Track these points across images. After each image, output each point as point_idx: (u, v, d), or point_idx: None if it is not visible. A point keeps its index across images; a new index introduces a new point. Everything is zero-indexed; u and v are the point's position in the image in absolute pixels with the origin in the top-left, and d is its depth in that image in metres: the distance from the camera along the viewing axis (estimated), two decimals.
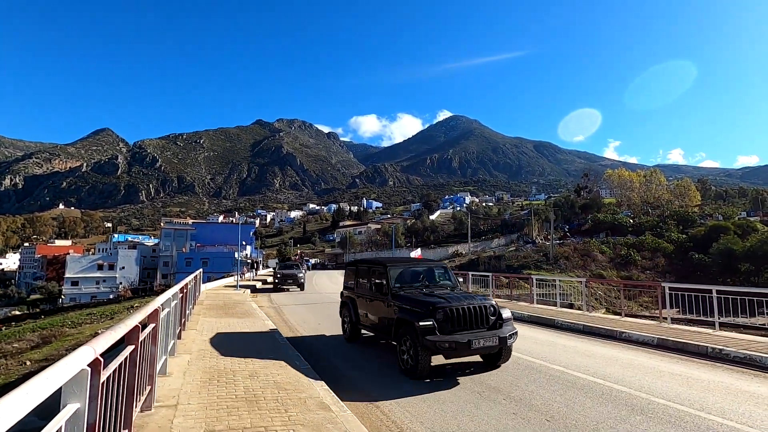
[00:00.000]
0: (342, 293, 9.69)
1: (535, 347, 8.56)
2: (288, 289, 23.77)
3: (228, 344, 8.01)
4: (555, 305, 14.97)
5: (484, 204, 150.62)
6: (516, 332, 6.62)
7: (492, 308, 6.67)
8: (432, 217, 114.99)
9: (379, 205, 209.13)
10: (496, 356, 6.75)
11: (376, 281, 7.92)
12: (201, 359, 6.76)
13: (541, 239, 60.08)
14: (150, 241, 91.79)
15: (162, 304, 4.91)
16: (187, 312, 9.87)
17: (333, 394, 5.16)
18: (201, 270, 16.01)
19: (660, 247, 49.84)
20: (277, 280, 24.16)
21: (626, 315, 13.18)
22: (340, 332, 9.74)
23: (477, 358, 7.06)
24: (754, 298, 9.34)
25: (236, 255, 48.63)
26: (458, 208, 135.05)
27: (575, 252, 50.14)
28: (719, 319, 9.55)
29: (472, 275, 19.82)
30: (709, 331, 9.52)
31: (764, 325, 9.58)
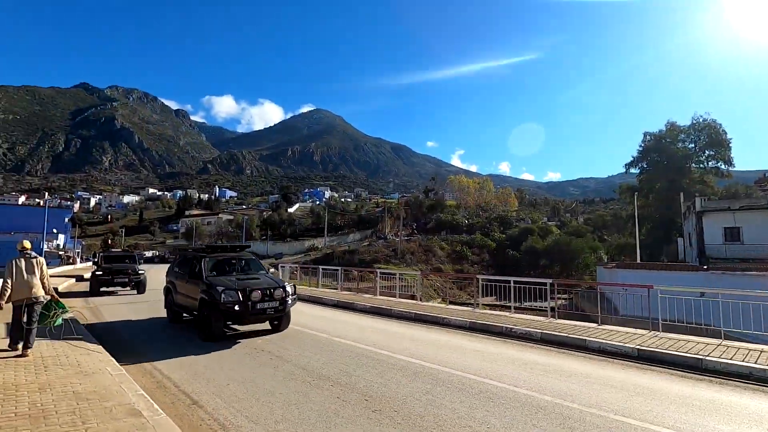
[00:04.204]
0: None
1: (370, 335, 9.27)
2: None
3: (12, 355, 6.61)
4: (395, 296, 16.38)
5: (343, 199, 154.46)
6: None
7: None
8: (290, 210, 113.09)
9: (234, 194, 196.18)
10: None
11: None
12: None
13: (393, 235, 64.67)
14: None
15: None
16: None
17: (149, 398, 4.75)
18: None
19: (486, 245, 58.71)
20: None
21: (450, 303, 15.23)
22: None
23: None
24: (538, 287, 11.82)
25: (43, 245, 39.88)
26: (318, 202, 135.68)
27: (420, 248, 55.44)
28: (514, 303, 11.84)
29: (323, 269, 20.30)
30: (507, 314, 11.70)
31: (543, 307, 12.17)
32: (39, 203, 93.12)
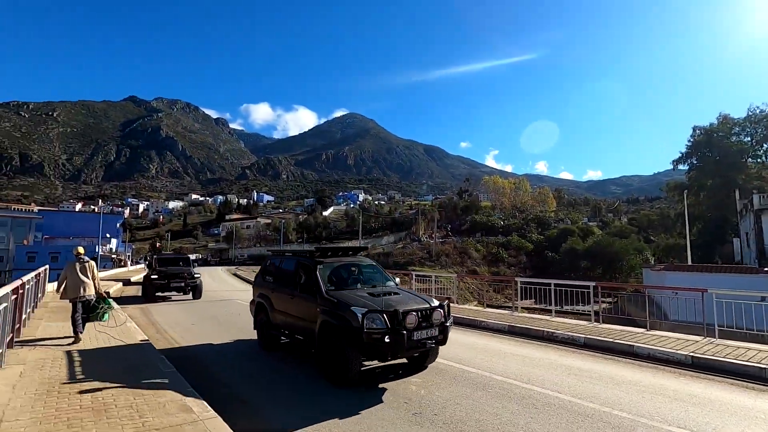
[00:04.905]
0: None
1: None
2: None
3: (75, 351, 7.11)
4: None
5: (376, 202, 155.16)
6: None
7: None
8: (325, 213, 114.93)
9: (271, 198, 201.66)
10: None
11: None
12: (38, 369, 5.90)
13: (427, 237, 64.31)
14: None
15: None
16: (24, 317, 8.46)
17: (198, 395, 4.97)
18: (47, 267, 13.75)
19: (523, 246, 57.21)
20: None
21: (488, 306, 14.95)
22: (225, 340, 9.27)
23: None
24: (580, 290, 11.41)
25: (98, 249, 42.59)
26: (352, 205, 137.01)
27: (455, 250, 54.81)
28: (555, 307, 11.48)
29: None
30: (548, 317, 11.36)
31: (586, 311, 11.74)
32: (94, 210, 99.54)
